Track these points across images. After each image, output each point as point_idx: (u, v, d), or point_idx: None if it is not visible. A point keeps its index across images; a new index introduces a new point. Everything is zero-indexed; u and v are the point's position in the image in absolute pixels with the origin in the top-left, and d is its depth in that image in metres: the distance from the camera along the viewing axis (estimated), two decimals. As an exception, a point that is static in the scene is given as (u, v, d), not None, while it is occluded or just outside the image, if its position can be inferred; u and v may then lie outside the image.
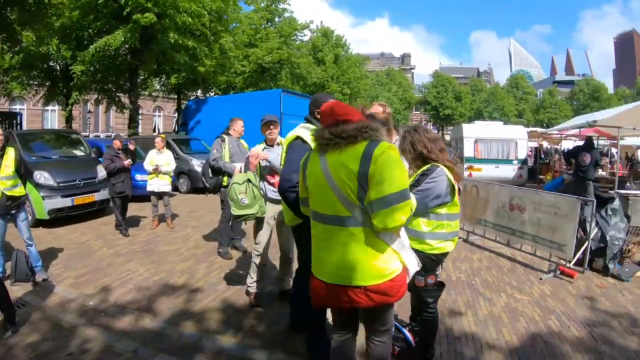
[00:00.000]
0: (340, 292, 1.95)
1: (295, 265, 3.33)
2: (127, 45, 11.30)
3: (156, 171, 6.63)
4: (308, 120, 2.85)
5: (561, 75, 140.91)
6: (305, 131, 2.67)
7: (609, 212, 5.33)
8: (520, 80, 57.29)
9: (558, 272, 5.00)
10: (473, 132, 12.81)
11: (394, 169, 1.83)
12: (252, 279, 3.73)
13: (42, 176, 6.47)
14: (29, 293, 3.94)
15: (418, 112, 58.54)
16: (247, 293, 3.80)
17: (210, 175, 5.18)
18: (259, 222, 3.75)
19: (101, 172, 7.28)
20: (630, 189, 7.47)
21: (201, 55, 12.27)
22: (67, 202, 6.49)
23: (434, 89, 49.22)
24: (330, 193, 1.92)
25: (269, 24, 19.92)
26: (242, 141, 5.35)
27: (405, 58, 67.59)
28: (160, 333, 3.21)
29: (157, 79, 17.33)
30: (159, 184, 6.72)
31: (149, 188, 6.72)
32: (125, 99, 16.03)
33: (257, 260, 3.70)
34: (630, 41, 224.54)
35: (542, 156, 16.38)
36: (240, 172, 4.98)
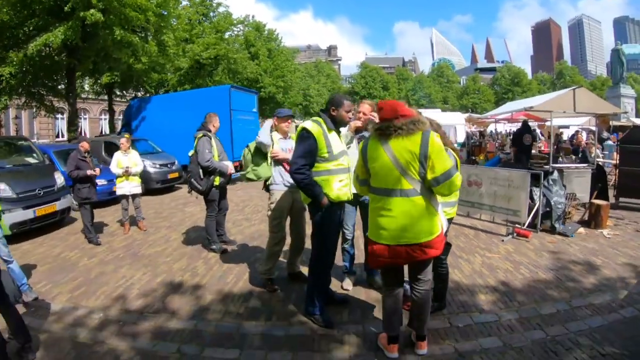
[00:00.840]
0: (400, 250, 2.58)
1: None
2: (67, 43, 10.45)
3: (126, 173, 6.47)
4: (318, 114, 3.31)
5: (482, 63, 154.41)
6: (313, 124, 3.16)
7: (550, 182, 6.43)
8: (444, 69, 61.86)
9: (515, 234, 5.99)
10: (442, 120, 13.91)
11: (444, 151, 2.54)
12: (266, 266, 4.07)
13: (-1, 188, 5.98)
14: (24, 316, 3.51)
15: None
16: (264, 279, 4.11)
17: (202, 176, 5.22)
18: (284, 216, 4.02)
19: (59, 179, 6.89)
20: (563, 163, 8.82)
21: (142, 52, 11.75)
22: (28, 214, 6.07)
23: (362, 79, 51.50)
24: (396, 171, 2.54)
25: (205, 19, 19.44)
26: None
27: (331, 50, 69.61)
28: (195, 329, 3.32)
29: (89, 79, 16.12)
30: (130, 186, 6.60)
31: (120, 191, 6.59)
32: (56, 102, 14.76)
33: (276, 247, 4.02)
34: (547, 29, 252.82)
35: (473, 139, 18.18)
36: (231, 171, 5.23)
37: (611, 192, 8.23)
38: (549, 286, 4.10)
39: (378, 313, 3.47)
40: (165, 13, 11.61)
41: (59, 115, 22.63)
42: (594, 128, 16.56)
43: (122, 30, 10.46)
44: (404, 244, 2.56)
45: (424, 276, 2.76)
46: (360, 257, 4.31)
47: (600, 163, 9.34)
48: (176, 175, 11.16)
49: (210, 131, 5.41)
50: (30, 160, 7.56)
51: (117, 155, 6.64)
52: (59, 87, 13.95)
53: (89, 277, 4.59)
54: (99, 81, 16.19)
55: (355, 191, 3.18)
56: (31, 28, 11.06)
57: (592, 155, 10.17)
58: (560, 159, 10.62)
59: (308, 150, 3.05)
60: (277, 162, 3.90)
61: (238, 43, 20.22)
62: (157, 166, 10.74)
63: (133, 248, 5.71)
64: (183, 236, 6.29)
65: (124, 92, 18.58)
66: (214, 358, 2.88)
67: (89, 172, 5.94)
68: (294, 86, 30.30)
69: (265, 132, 3.91)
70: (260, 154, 4.00)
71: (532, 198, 6.36)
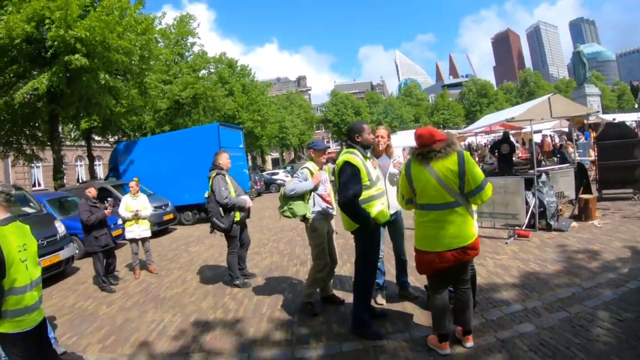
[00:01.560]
0: (448, 255, 3.07)
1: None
2: (51, 90, 10.59)
3: (136, 217, 6.63)
4: (349, 145, 3.74)
5: (447, 79, 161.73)
6: (353, 154, 3.59)
7: (540, 184, 7.02)
8: (412, 88, 64.55)
9: (516, 235, 6.50)
10: (400, 141, 14.74)
11: (476, 166, 3.08)
12: (309, 290, 4.41)
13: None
14: None
15: (319, 131, 61.72)
16: (304, 303, 4.43)
17: (222, 214, 5.45)
18: (325, 242, 4.37)
19: (60, 228, 6.96)
20: (546, 166, 9.52)
21: (124, 95, 11.98)
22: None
23: (334, 107, 52.91)
24: (440, 188, 3.06)
25: (180, 59, 19.97)
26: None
27: (300, 80, 71.58)
28: None
29: (67, 125, 16.13)
30: (140, 230, 6.76)
31: (129, 235, 6.71)
32: (37, 150, 14.73)
33: (321, 274, 4.36)
34: (507, 39, 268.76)
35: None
36: (250, 205, 5.52)
37: (593, 187, 8.94)
38: (560, 275, 4.63)
39: (417, 320, 3.87)
40: (147, 55, 11.96)
41: (36, 164, 22.38)
42: (565, 129, 17.75)
43: (106, 74, 10.71)
44: (452, 249, 3.05)
45: (465, 276, 3.24)
46: (388, 273, 4.65)
47: (581, 162, 10.10)
48: (171, 216, 11.32)
49: (222, 169, 5.68)
50: (28, 209, 7.57)
51: (126, 198, 6.83)
52: (38, 134, 13.93)
53: (115, 324, 4.67)
54: (77, 127, 16.20)
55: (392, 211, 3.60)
56: (11, 75, 11.17)
57: (571, 154, 10.98)
58: (543, 162, 11.38)
59: (356, 182, 3.45)
60: (315, 191, 4.27)
61: (211, 81, 20.75)
62: (152, 209, 10.92)
63: (151, 291, 5.86)
64: (199, 276, 6.48)
65: (104, 137, 18.63)
66: None
67: (107, 211, 6.12)
68: (269, 119, 31.07)
69: (299, 180, 4.27)
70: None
71: (525, 201, 6.94)
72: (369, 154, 3.78)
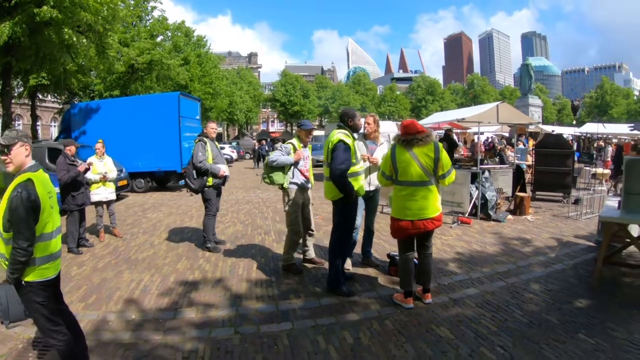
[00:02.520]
0: (419, 224, 3.86)
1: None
2: (9, 41, 9.95)
3: (103, 179, 6.74)
4: (340, 126, 4.39)
5: (397, 73, 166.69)
6: (345, 136, 4.23)
7: (483, 179, 8.10)
8: (362, 78, 66.04)
9: (459, 222, 7.56)
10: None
11: (447, 155, 3.92)
12: (288, 254, 5.05)
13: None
14: None
15: (265, 110, 61.65)
16: (287, 264, 5.08)
17: (195, 177, 5.90)
18: (298, 210, 4.99)
19: None
20: (488, 165, 10.79)
21: (83, 55, 11.51)
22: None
23: (283, 87, 53.13)
24: (418, 168, 3.83)
25: (140, 21, 19.14)
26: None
27: (252, 57, 70.75)
28: (239, 314, 3.92)
29: (14, 80, 14.99)
30: (107, 192, 6.90)
31: (96, 198, 6.78)
32: None
33: (295, 237, 5.01)
34: (459, 42, 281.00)
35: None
36: (225, 173, 6.00)
37: (528, 188, 10.35)
38: (498, 255, 5.72)
39: (382, 282, 4.69)
40: (111, 16, 11.54)
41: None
42: (506, 134, 19.67)
43: (70, 30, 10.31)
44: (423, 219, 3.86)
45: (429, 243, 4.10)
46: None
47: (519, 165, 11.55)
48: (124, 183, 11.25)
49: (207, 136, 6.10)
50: None
51: (92, 160, 6.81)
52: None
53: (92, 284, 4.85)
54: (24, 83, 15.14)
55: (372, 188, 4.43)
56: None
57: (509, 157, 12.45)
58: (485, 161, 12.76)
59: (347, 158, 4.13)
60: (296, 165, 4.84)
61: (166, 49, 20.19)
62: (117, 171, 10.94)
63: (120, 254, 6.11)
64: (166, 240, 6.85)
65: (55, 96, 17.54)
66: (273, 332, 3.63)
67: (80, 168, 6.15)
68: (221, 93, 30.69)
69: (282, 154, 4.90)
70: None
71: (470, 193, 8.05)
72: (356, 137, 4.46)
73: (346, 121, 4.37)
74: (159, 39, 19.84)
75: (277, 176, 4.87)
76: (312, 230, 5.25)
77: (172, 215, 9.08)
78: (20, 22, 9.80)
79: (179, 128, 12.31)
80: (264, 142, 30.22)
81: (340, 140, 4.17)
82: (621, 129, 19.70)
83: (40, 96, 16.99)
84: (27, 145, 2.65)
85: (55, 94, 18.29)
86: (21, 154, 2.61)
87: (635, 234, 4.79)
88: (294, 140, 5.06)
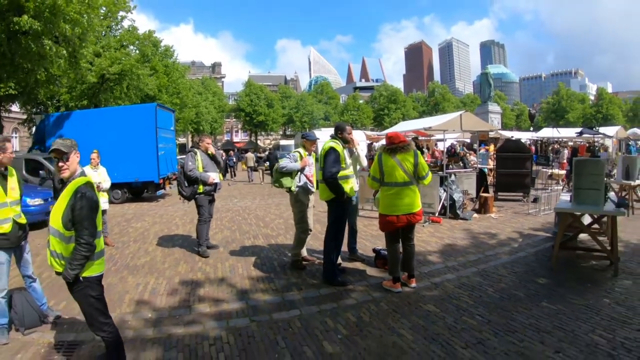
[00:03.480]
0: (404, 218, 4.55)
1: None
2: None
3: (98, 189, 6.98)
4: (333, 137, 5.14)
5: (359, 81, 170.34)
6: (335, 143, 4.97)
7: (450, 183, 8.97)
8: (324, 87, 67.38)
9: (430, 221, 8.37)
10: (323, 138, 16.28)
11: (424, 161, 4.65)
12: (296, 250, 5.66)
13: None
14: (70, 333, 3.91)
15: (229, 120, 61.66)
16: (294, 260, 5.67)
17: (187, 184, 6.35)
18: (305, 211, 5.59)
19: None
20: (453, 169, 11.77)
21: (57, 65, 11.49)
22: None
23: (247, 97, 53.49)
24: (401, 172, 4.55)
25: (110, 31, 19.06)
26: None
27: (215, 67, 70.54)
28: (250, 306, 4.38)
29: None
30: (100, 202, 7.09)
31: None
32: None
33: (303, 235, 5.61)
34: (420, 51, 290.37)
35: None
36: (214, 180, 6.49)
37: (491, 189, 11.37)
38: (468, 247, 6.54)
39: (370, 273, 5.36)
40: (88, 27, 11.62)
41: None
42: (467, 140, 21.01)
43: (49, 41, 10.35)
44: (407, 213, 4.57)
45: (412, 235, 4.82)
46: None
47: (482, 168, 12.62)
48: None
49: (198, 147, 6.56)
50: None
51: (87, 170, 7.06)
52: None
53: None
54: None
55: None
56: None
57: (471, 162, 13.53)
58: (450, 166, 13.80)
59: (338, 162, 4.85)
60: (302, 171, 5.48)
61: (135, 58, 20.21)
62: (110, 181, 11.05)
63: (117, 261, 6.41)
64: (160, 247, 7.21)
65: (24, 106, 17.15)
66: (284, 318, 4.14)
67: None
68: (188, 103, 30.74)
69: (290, 161, 5.51)
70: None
71: (439, 195, 8.92)
72: (345, 146, 5.18)
73: (337, 133, 5.12)
74: (128, 48, 19.86)
75: (286, 180, 5.46)
76: (311, 230, 5.83)
77: (157, 224, 9.39)
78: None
79: (156, 139, 12.57)
80: (231, 152, 30.52)
81: (332, 148, 4.89)
82: (571, 134, 21.52)
83: (5, 106, 16.52)
84: (78, 153, 3.09)
85: (24, 105, 17.89)
86: (75, 162, 3.04)
87: (586, 223, 5.74)
88: (300, 149, 5.70)
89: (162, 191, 14.23)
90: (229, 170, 24.41)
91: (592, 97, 76.94)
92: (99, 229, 3.00)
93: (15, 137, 32.27)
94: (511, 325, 3.74)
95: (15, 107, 18.37)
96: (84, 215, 2.83)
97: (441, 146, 21.34)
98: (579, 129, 29.75)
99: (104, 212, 7.34)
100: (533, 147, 22.61)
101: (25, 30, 10.09)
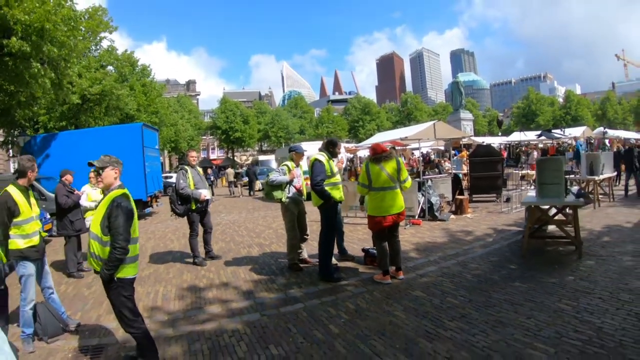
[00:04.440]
0: (390, 218, 5.26)
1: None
2: None
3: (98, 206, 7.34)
4: (320, 150, 5.82)
5: (332, 94, 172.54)
6: (320, 156, 5.66)
7: (428, 187, 9.72)
8: (298, 101, 68.47)
9: (411, 223, 9.05)
10: (311, 150, 16.96)
11: (404, 167, 5.36)
12: (291, 255, 6.21)
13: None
14: (92, 338, 4.26)
15: (205, 137, 61.85)
16: (291, 264, 6.20)
17: (179, 202, 6.77)
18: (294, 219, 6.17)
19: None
20: (429, 175, 12.57)
21: (40, 86, 11.64)
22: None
23: (223, 114, 53.88)
24: (386, 177, 5.25)
25: (89, 52, 19.23)
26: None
27: (190, 84, 71.01)
28: (257, 303, 4.89)
29: None
30: None
31: (89, 224, 7.31)
32: None
33: (294, 241, 6.16)
34: (391, 62, 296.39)
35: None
36: (205, 197, 6.89)
37: (466, 192, 12.20)
38: (447, 243, 7.27)
39: (361, 270, 5.98)
40: (73, 49, 11.84)
41: None
42: (442, 148, 22.02)
43: (37, 63, 10.59)
44: (392, 214, 5.25)
45: (397, 233, 5.52)
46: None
47: (456, 173, 13.48)
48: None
49: (187, 164, 7.00)
50: None
51: (87, 189, 7.33)
52: None
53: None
54: None
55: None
56: None
57: (445, 168, 14.40)
58: (426, 172, 14.63)
59: (322, 171, 5.51)
60: (290, 183, 6.03)
61: (113, 78, 20.44)
62: None
63: None
64: (159, 260, 7.59)
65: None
66: (291, 311, 4.65)
67: (75, 198, 6.84)
68: (165, 121, 30.97)
69: (280, 174, 6.10)
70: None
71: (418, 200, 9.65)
72: (333, 159, 5.87)
73: (329, 147, 5.83)
74: (107, 69, 20.07)
75: (277, 192, 6.03)
76: (307, 235, 6.45)
77: (152, 239, 9.74)
78: None
79: (144, 158, 12.91)
80: (209, 170, 30.91)
81: (316, 159, 5.59)
82: (532, 137, 22.83)
83: None
84: (116, 169, 3.58)
85: (2, 126, 17.85)
86: (110, 176, 3.53)
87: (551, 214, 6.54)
88: (289, 163, 6.26)
89: (150, 209, 14.49)
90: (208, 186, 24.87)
91: (560, 100, 79.64)
92: (134, 236, 3.43)
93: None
94: (489, 302, 4.40)
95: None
96: (119, 222, 3.28)
97: (417, 154, 22.45)
98: (534, 133, 31.49)
99: None
100: (505, 151, 23.86)
101: (12, 53, 10.28)
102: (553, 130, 21.96)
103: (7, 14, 9.77)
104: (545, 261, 5.80)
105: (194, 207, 6.89)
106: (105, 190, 3.56)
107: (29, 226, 4.20)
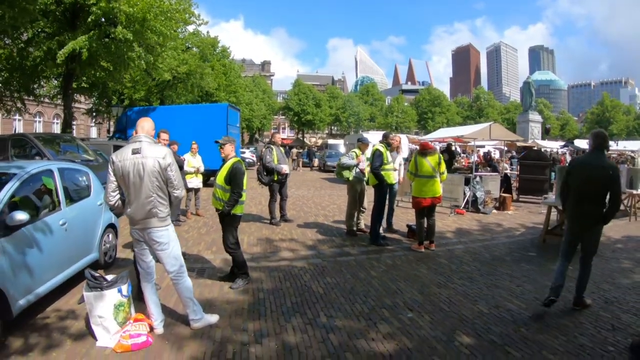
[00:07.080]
0: (430, 199, 6.70)
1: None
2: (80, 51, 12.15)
3: (197, 172, 9.39)
4: (381, 142, 7.27)
5: (404, 83, 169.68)
6: (381, 146, 7.13)
7: (475, 182, 10.83)
8: (370, 88, 69.10)
9: (455, 212, 10.25)
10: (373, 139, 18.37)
11: (444, 161, 6.88)
12: (349, 222, 7.88)
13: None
14: (191, 263, 6.31)
15: (277, 117, 64.39)
16: (349, 229, 7.88)
17: (265, 174, 8.55)
18: (356, 195, 7.79)
19: None
20: (482, 172, 13.56)
21: (139, 67, 13.74)
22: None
23: (296, 96, 55.94)
24: (429, 168, 6.76)
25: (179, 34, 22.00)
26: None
27: (265, 65, 73.89)
28: (319, 253, 6.69)
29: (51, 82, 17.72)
30: (197, 181, 9.50)
31: (190, 185, 9.23)
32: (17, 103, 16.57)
33: (352, 211, 7.86)
34: (467, 54, 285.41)
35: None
36: (286, 171, 8.53)
37: (515, 192, 13.06)
38: (479, 231, 8.53)
39: (404, 241, 7.44)
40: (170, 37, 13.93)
41: (17, 117, 24.03)
42: (504, 147, 22.40)
43: (140, 47, 12.51)
44: (431, 197, 6.69)
45: (433, 213, 6.93)
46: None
47: (507, 173, 14.30)
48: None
49: (274, 143, 8.79)
50: (87, 157, 9.70)
51: (187, 157, 9.38)
52: (35, 88, 15.69)
53: (210, 239, 7.49)
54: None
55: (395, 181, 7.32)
56: (39, 30, 12.77)
57: (500, 167, 15.20)
58: (480, 169, 15.54)
59: (381, 159, 7.00)
60: (357, 166, 7.63)
61: (196, 58, 22.87)
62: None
63: (212, 226, 8.12)
64: (242, 220, 9.38)
65: (103, 100, 20.20)
66: (344, 260, 6.28)
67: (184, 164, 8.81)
68: (241, 101, 33.65)
69: (349, 159, 7.66)
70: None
71: (464, 192, 10.82)
72: (389, 149, 7.31)
73: (384, 139, 7.34)
74: (193, 50, 22.55)
75: (345, 172, 7.62)
76: (364, 209, 8.04)
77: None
78: (95, 37, 11.96)
79: (227, 134, 15.07)
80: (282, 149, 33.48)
81: (377, 149, 7.09)
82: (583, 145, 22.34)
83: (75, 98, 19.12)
84: (232, 145, 5.30)
85: (99, 97, 20.99)
86: (228, 149, 5.25)
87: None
88: (356, 150, 7.81)
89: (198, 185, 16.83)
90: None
91: (637, 109, 73.43)
92: (244, 188, 5.17)
93: (56, 123, 35.50)
94: (493, 272, 5.74)
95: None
96: (237, 178, 5.00)
97: (482, 152, 23.03)
98: (624, 142, 30.09)
99: (197, 190, 9.64)
100: (564, 157, 23.64)
101: (116, 38, 12.14)
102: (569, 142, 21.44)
103: (115, 8, 11.69)
104: (555, 253, 6.85)
105: (276, 178, 8.66)
106: (226, 158, 5.31)
107: None
